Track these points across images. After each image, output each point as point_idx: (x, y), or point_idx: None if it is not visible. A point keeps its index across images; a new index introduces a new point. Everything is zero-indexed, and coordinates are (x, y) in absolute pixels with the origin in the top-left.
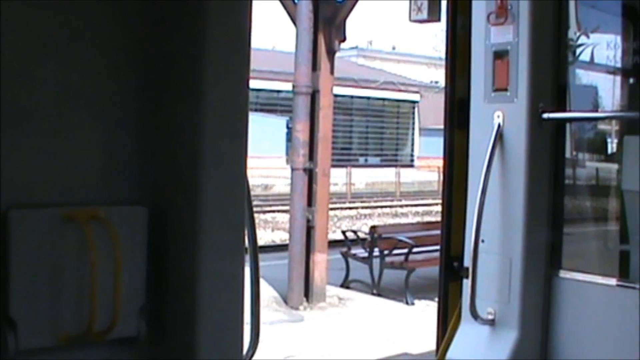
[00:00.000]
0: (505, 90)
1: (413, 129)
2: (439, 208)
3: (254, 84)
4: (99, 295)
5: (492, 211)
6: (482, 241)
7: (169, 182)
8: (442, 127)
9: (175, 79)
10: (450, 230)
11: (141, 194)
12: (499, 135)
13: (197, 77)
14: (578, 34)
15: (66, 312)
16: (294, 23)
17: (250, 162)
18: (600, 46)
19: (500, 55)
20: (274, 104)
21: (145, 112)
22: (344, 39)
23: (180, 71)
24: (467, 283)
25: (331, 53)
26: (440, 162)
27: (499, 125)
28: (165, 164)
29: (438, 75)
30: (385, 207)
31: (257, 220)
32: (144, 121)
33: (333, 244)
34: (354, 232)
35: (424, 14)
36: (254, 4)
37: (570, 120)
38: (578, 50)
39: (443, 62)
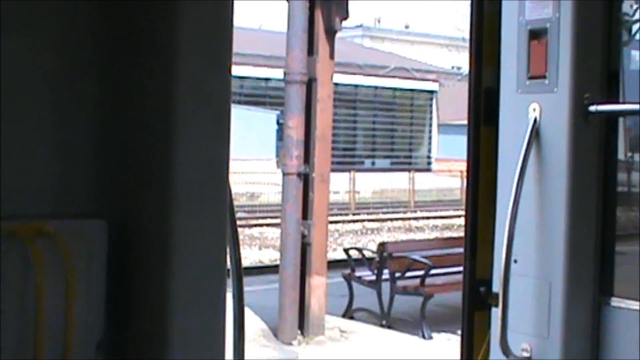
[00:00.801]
0: (543, 77)
1: (430, 125)
2: (461, 221)
3: (237, 70)
4: (46, 326)
5: (526, 225)
6: (515, 261)
7: (134, 191)
8: (465, 122)
9: (143, 67)
10: (475, 248)
11: (100, 204)
12: (535, 133)
13: (169, 64)
14: (635, 7)
15: (5, 346)
16: None
17: (233, 166)
18: None
19: (536, 34)
20: (261, 95)
21: (105, 107)
22: (346, 16)
23: (148, 58)
24: (496, 312)
25: (331, 33)
26: (463, 166)
27: (535, 121)
28: (129, 169)
29: (461, 60)
30: (397, 219)
31: (241, 236)
32: (104, 118)
33: (333, 264)
34: (359, 250)
35: None
36: None
37: (624, 113)
38: (634, 28)
39: (467, 44)
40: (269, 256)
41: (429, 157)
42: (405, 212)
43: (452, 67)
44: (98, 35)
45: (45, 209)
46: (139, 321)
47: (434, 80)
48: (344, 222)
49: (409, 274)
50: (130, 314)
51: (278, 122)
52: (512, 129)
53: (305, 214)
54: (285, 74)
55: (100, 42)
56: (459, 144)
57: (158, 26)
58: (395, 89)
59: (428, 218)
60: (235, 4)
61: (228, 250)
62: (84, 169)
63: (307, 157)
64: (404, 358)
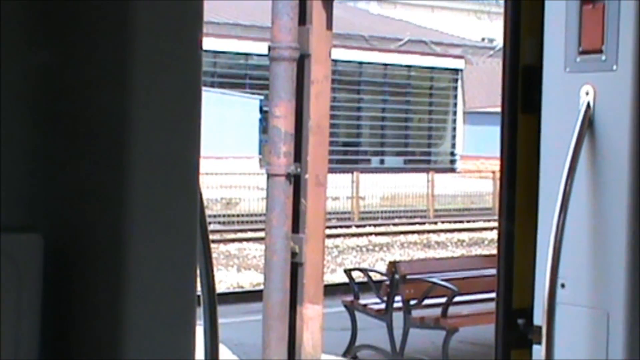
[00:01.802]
0: (599, 52)
1: (454, 113)
2: (494, 235)
3: (209, 44)
4: None
5: (577, 240)
6: (562, 286)
7: (77, 199)
8: (499, 110)
9: (90, 39)
10: (511, 270)
11: (34, 215)
12: (588, 122)
13: (120, 38)
14: None
15: None
16: None
17: (204, 166)
18: None
19: None
20: (240, 76)
21: (42, 96)
22: None
23: (96, 28)
24: (539, 350)
25: None
26: (496, 165)
27: (587, 107)
28: (72, 173)
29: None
30: (412, 233)
31: (215, 254)
32: (40, 110)
33: (332, 289)
34: (364, 271)
35: None
36: None
37: None
38: None
39: (501, 10)
40: (250, 279)
41: (452, 154)
42: (422, 224)
43: (483, 40)
44: (32, 12)
45: None
46: (82, 356)
47: (459, 57)
48: (345, 235)
49: (427, 301)
50: (72, 351)
51: (261, 110)
52: (558, 118)
53: (296, 225)
54: (269, 48)
55: (29, 17)
56: (491, 137)
57: None
58: (410, 67)
59: (451, 231)
60: None
61: (198, 272)
62: (15, 176)
63: (299, 154)
64: None
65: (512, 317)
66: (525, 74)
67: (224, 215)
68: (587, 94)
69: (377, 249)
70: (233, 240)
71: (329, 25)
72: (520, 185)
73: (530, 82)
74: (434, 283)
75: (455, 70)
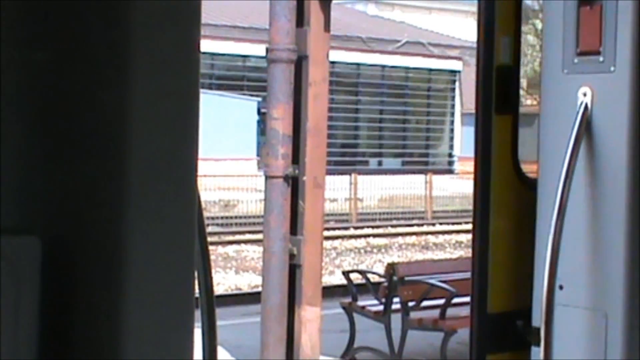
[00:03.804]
0: (597, 53)
1: (452, 114)
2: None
3: (207, 46)
4: None
5: (575, 241)
6: (561, 288)
7: (75, 201)
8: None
9: (87, 39)
10: (486, 273)
11: (32, 217)
12: (586, 124)
13: (119, 39)
14: None
15: None
16: None
17: (202, 168)
18: None
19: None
20: (238, 78)
21: (39, 94)
22: None
23: (93, 28)
24: (538, 352)
25: None
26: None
27: (585, 108)
28: (69, 175)
29: None
30: (410, 234)
31: (213, 256)
32: (36, 109)
33: (330, 291)
34: (362, 273)
35: None
36: None
37: None
38: None
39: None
40: (248, 281)
41: (450, 156)
42: (420, 225)
43: None
44: (27, 9)
45: None
46: None
47: (456, 58)
48: (343, 237)
49: (425, 303)
50: (71, 353)
51: (259, 112)
52: (556, 119)
53: (294, 227)
54: (267, 50)
55: (26, 16)
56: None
57: None
58: (407, 69)
59: (450, 232)
60: None
61: (196, 274)
62: (11, 177)
63: (296, 156)
64: None
65: (488, 321)
66: (500, 74)
67: (222, 217)
68: (584, 95)
69: (375, 250)
70: (231, 242)
71: (327, 27)
72: (495, 185)
73: (505, 82)
74: (432, 285)
75: (453, 72)
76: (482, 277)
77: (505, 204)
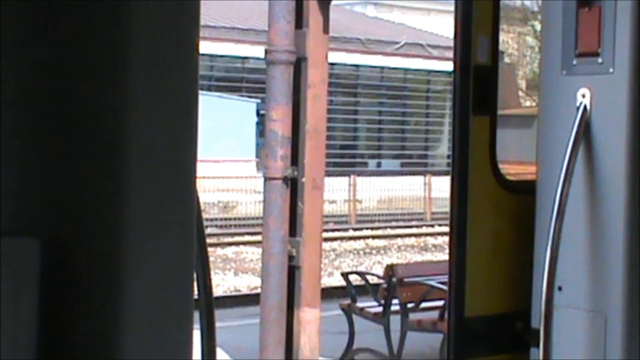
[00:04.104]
0: (596, 55)
1: (451, 115)
2: None
3: (206, 47)
4: None
5: (574, 242)
6: (560, 289)
7: (74, 203)
8: (498, 112)
9: (87, 40)
10: (463, 275)
11: (31, 219)
12: (585, 125)
13: (119, 39)
14: None
15: None
16: None
17: (201, 169)
18: None
19: (587, 1)
20: (237, 79)
21: (36, 95)
22: None
23: (93, 29)
24: (537, 353)
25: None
26: (504, 167)
27: (584, 109)
28: (68, 176)
29: None
30: (409, 236)
31: (212, 258)
32: (34, 109)
33: (329, 293)
34: (361, 274)
35: None
36: None
37: None
38: None
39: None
40: (247, 283)
41: (449, 157)
42: (419, 227)
43: None
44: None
45: None
46: None
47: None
48: (342, 239)
49: (424, 304)
50: (70, 354)
51: (258, 114)
52: (555, 120)
53: (293, 229)
54: (266, 51)
55: (26, 16)
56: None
57: None
58: (407, 71)
59: (449, 234)
60: None
61: (195, 276)
62: (9, 177)
63: (295, 157)
64: None
65: (464, 325)
66: (478, 73)
67: (221, 219)
68: (583, 96)
69: (374, 252)
70: (230, 244)
71: (326, 28)
72: (473, 187)
73: (483, 82)
74: (432, 286)
75: (452, 74)
76: (459, 280)
77: (483, 207)
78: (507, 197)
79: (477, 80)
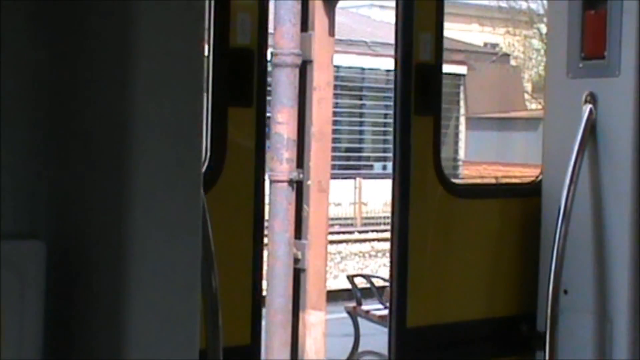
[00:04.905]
0: (602, 58)
1: (457, 118)
2: None
3: None
4: None
5: (580, 246)
6: (565, 292)
7: (79, 205)
8: (501, 115)
9: (92, 41)
10: (405, 282)
11: (37, 222)
12: (591, 128)
13: (124, 44)
14: None
15: None
16: None
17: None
18: None
19: (593, 3)
20: None
21: (43, 102)
22: None
23: (98, 31)
24: (542, 356)
25: (330, 2)
26: (498, 170)
27: (590, 113)
28: (73, 179)
29: (496, 36)
30: None
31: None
32: (40, 114)
33: (335, 295)
34: (367, 277)
35: None
36: None
37: None
38: None
39: (503, 16)
40: None
41: (455, 160)
42: None
43: (485, 45)
44: (32, 26)
45: None
46: None
47: (461, 62)
48: (347, 242)
49: None
50: (76, 353)
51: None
52: (561, 124)
53: (299, 232)
54: (272, 54)
55: (30, 17)
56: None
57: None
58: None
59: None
60: None
61: (200, 277)
62: (17, 182)
63: (301, 160)
64: None
65: (405, 335)
66: (420, 72)
67: None
68: (589, 99)
69: (379, 255)
70: None
71: (332, 31)
72: (415, 192)
73: (425, 81)
74: None
75: (458, 76)
76: (401, 288)
77: (426, 212)
78: (452, 202)
79: (419, 78)
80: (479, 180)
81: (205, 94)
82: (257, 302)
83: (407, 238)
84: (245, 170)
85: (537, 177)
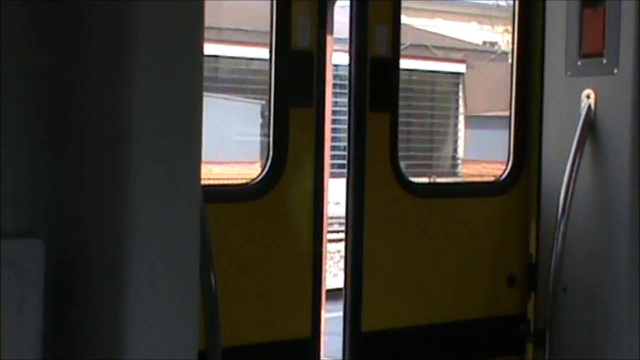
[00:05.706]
0: (600, 56)
1: (456, 117)
2: None
3: (210, 49)
4: None
5: (579, 244)
6: (564, 290)
7: (78, 204)
8: (500, 113)
9: (92, 42)
10: (360, 284)
11: (36, 220)
12: (590, 126)
13: (124, 41)
14: None
15: None
16: None
17: (205, 171)
18: None
19: (591, 1)
20: (241, 81)
21: (43, 102)
22: None
23: (97, 31)
24: (541, 353)
25: (330, 1)
26: (498, 169)
27: (588, 110)
28: (72, 178)
29: (495, 35)
30: None
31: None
32: (40, 115)
33: (334, 294)
34: None
35: None
36: None
37: None
38: None
39: (502, 15)
40: None
41: (454, 159)
42: None
43: (484, 43)
44: (31, 22)
45: None
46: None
47: (460, 61)
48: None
49: None
50: (75, 352)
51: (263, 115)
52: (559, 121)
53: None
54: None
55: (30, 18)
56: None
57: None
58: (411, 72)
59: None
60: None
61: (200, 276)
62: (16, 180)
63: None
64: None
65: (360, 339)
66: (375, 67)
67: None
68: (588, 97)
69: None
70: None
71: (331, 30)
72: (370, 191)
73: (380, 76)
74: None
75: (457, 74)
76: (355, 291)
77: (381, 211)
78: (410, 201)
79: (374, 73)
80: (459, 179)
81: (267, 96)
82: (318, 296)
83: (362, 239)
84: (306, 168)
85: (499, 176)
